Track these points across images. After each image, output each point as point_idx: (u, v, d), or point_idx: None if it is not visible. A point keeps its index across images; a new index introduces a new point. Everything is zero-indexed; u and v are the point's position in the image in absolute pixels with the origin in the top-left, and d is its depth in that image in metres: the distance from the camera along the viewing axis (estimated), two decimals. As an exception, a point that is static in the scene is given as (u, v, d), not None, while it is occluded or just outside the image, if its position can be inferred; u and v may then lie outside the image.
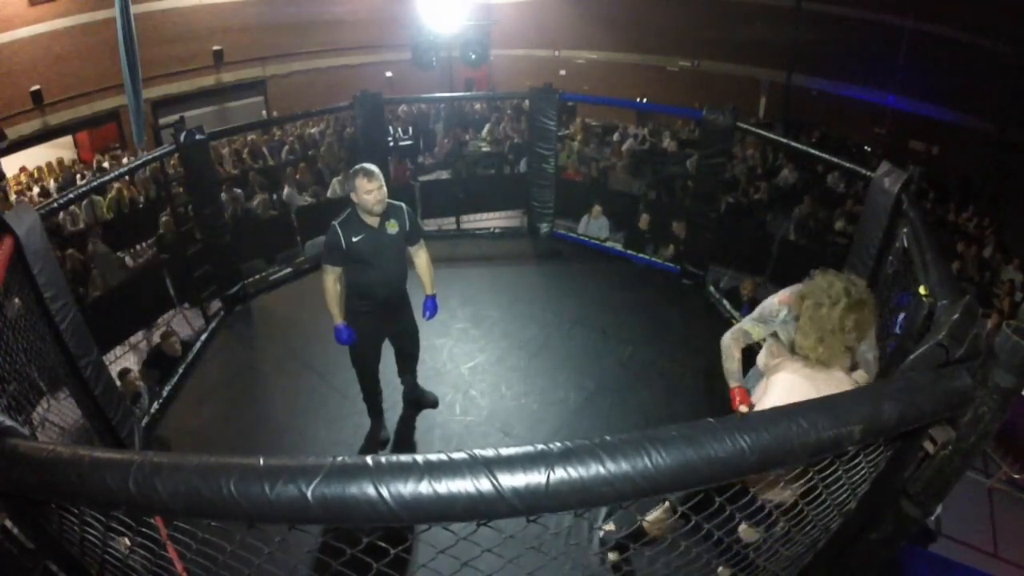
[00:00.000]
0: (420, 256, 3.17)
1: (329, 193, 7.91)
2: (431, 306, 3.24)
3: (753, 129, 5.23)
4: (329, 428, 3.66)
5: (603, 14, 15.12)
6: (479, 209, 6.87)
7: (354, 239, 2.87)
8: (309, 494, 0.77)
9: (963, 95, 11.04)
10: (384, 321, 3.19)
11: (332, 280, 2.97)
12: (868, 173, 3.32)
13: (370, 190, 2.80)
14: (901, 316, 2.59)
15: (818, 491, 1.20)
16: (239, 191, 7.82)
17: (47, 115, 10.84)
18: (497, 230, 6.47)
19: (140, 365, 4.66)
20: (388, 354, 3.84)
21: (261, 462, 0.81)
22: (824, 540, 1.41)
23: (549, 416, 3.73)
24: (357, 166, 2.89)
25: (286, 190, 7.85)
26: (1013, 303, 6.57)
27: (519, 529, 0.98)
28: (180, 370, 4.24)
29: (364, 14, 14.52)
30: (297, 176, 8.45)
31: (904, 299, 2.56)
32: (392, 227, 2.97)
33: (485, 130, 11.59)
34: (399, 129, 6.36)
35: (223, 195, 6.45)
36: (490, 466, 0.78)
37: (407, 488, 0.77)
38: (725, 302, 5.02)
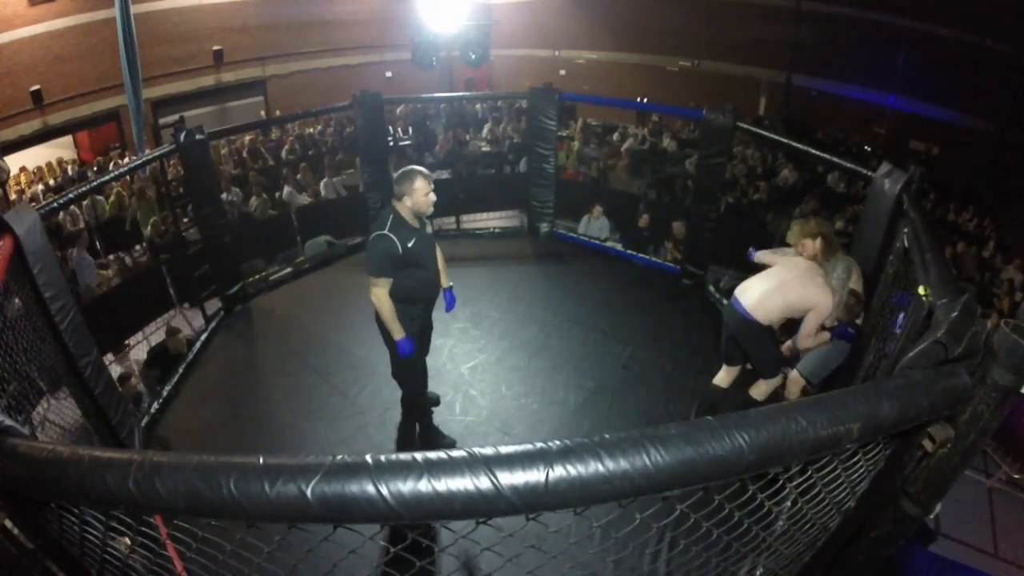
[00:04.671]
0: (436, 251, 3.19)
1: (323, 193, 7.91)
2: (450, 298, 3.25)
3: (753, 129, 5.23)
4: (329, 428, 3.67)
5: (603, 14, 15.13)
6: (479, 209, 6.87)
7: (408, 244, 2.77)
8: (309, 493, 0.78)
9: (963, 95, 11.04)
10: (427, 323, 3.15)
11: (387, 292, 2.82)
12: (868, 173, 3.32)
13: (428, 191, 2.76)
14: (901, 316, 2.59)
15: (817, 489, 1.20)
16: (238, 190, 7.82)
17: (47, 115, 10.84)
18: (497, 230, 6.47)
19: (140, 365, 4.66)
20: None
21: (261, 461, 0.81)
22: (823, 539, 1.41)
23: (549, 416, 3.73)
24: (409, 168, 2.80)
25: (286, 190, 7.85)
26: (1013, 303, 6.57)
27: (519, 527, 0.98)
28: (180, 370, 4.24)
29: (364, 14, 14.52)
30: (297, 176, 8.45)
31: (904, 299, 2.56)
32: (428, 226, 2.96)
33: (485, 130, 11.59)
34: (399, 129, 6.36)
35: (224, 195, 6.47)
36: (489, 464, 0.78)
37: (406, 486, 0.77)
38: (725, 302, 5.02)
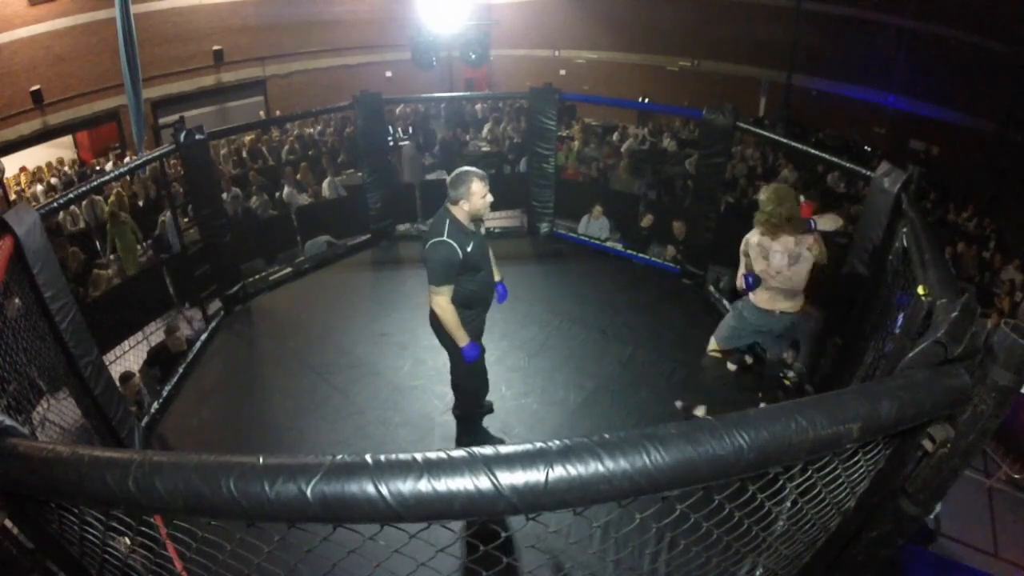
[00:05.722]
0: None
1: (326, 192, 7.92)
2: (503, 290, 3.17)
3: (753, 129, 5.23)
4: (329, 428, 3.67)
5: (603, 14, 15.13)
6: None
7: (468, 249, 2.69)
8: (308, 492, 0.78)
9: (963, 95, 11.04)
10: (483, 325, 3.07)
11: (449, 300, 2.73)
12: (868, 173, 3.32)
13: (485, 194, 2.68)
14: (900, 316, 2.59)
15: (817, 489, 1.20)
16: (238, 190, 7.82)
17: (47, 115, 10.84)
18: (497, 230, 6.47)
19: (141, 364, 4.66)
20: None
21: (260, 460, 0.81)
22: (823, 539, 1.41)
23: (549, 416, 3.73)
24: (463, 171, 2.69)
25: (286, 190, 7.85)
26: (1013, 303, 6.57)
27: (519, 527, 0.98)
28: (180, 370, 4.24)
29: (364, 14, 14.53)
30: (297, 176, 8.46)
31: (904, 299, 2.56)
32: (480, 227, 2.87)
33: (485, 130, 11.60)
34: (399, 129, 6.36)
35: (225, 195, 6.47)
36: (489, 464, 0.78)
37: (406, 486, 0.78)
38: (725, 302, 5.02)
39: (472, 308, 2.87)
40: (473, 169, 2.70)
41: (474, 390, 3.22)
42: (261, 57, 13.57)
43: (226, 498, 0.79)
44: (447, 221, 2.68)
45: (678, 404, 3.78)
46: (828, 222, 3.20)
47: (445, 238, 2.64)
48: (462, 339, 2.82)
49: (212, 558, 1.06)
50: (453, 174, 2.71)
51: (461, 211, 2.70)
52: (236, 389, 4.12)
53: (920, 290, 1.82)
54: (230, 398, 4.04)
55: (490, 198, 2.72)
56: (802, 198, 3.33)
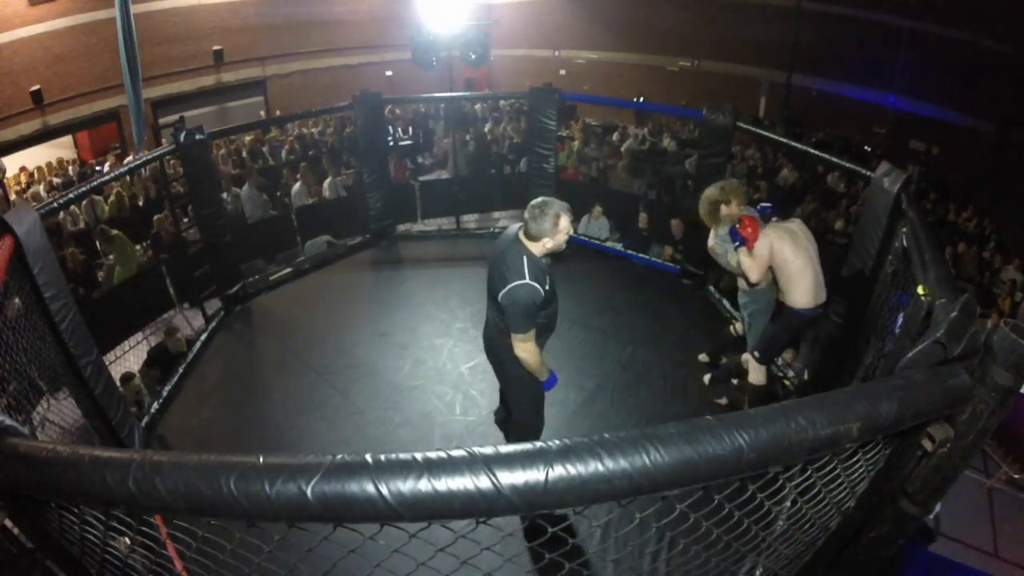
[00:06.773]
0: None
1: (327, 193, 7.91)
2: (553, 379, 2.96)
3: (753, 129, 5.23)
4: (329, 428, 3.67)
5: (603, 14, 15.14)
6: (479, 209, 6.87)
7: (546, 287, 2.46)
8: (309, 492, 0.78)
9: (963, 95, 11.04)
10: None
11: (534, 341, 2.54)
12: (868, 173, 3.32)
13: (568, 229, 2.43)
14: (900, 316, 2.59)
15: (816, 489, 1.21)
16: (237, 190, 7.80)
17: (47, 115, 10.84)
18: (497, 230, 6.47)
19: (141, 365, 4.66)
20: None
21: (261, 460, 0.81)
22: (823, 539, 1.41)
23: (549, 416, 3.69)
24: (547, 202, 2.39)
25: (295, 187, 7.82)
26: (1013, 303, 6.57)
27: (518, 527, 0.99)
28: (180, 370, 4.24)
29: (364, 14, 14.53)
30: (297, 176, 8.44)
31: (904, 299, 2.56)
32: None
33: (485, 130, 11.59)
34: (399, 129, 6.36)
35: (224, 194, 6.46)
36: (489, 463, 0.78)
37: (406, 486, 0.78)
38: (725, 302, 5.02)
39: (542, 337, 2.70)
40: (561, 203, 2.42)
41: (538, 418, 3.03)
42: (261, 57, 13.57)
43: (226, 498, 0.79)
44: (524, 258, 2.40)
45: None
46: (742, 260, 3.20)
47: (528, 280, 2.37)
48: (544, 374, 2.69)
49: (212, 558, 1.06)
50: (534, 204, 2.40)
51: (540, 247, 2.42)
52: (236, 389, 4.12)
53: (920, 290, 1.83)
54: (230, 398, 4.04)
55: (570, 232, 2.46)
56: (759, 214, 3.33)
